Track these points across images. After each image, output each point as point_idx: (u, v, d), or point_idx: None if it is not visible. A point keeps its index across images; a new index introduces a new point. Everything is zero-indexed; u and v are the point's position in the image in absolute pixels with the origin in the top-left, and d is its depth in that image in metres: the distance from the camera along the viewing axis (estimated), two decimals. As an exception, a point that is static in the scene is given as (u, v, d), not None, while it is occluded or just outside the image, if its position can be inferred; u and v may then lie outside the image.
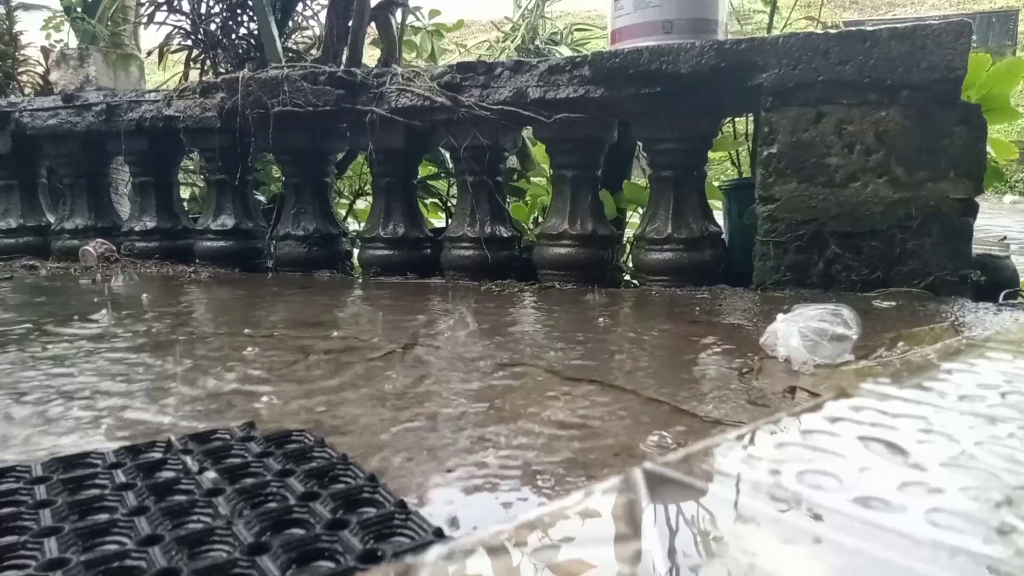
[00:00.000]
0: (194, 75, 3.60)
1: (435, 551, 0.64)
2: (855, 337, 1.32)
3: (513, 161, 3.08)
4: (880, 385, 1.02)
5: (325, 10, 3.11)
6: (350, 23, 2.93)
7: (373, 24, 3.08)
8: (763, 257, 2.17)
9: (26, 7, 4.21)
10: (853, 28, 2.12)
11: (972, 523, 0.63)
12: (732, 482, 0.73)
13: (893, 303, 1.90)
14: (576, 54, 2.72)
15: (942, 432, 0.84)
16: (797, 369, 1.29)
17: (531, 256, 2.58)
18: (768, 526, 0.64)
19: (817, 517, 0.65)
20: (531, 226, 3.00)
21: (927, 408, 0.92)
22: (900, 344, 1.37)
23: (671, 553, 0.62)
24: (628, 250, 2.74)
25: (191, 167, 3.88)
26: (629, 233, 2.79)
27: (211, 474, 0.84)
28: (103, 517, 0.75)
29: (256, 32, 3.42)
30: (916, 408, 0.92)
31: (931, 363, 1.19)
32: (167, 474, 0.86)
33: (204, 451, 0.91)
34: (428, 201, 3.33)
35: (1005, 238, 2.52)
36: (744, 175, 2.88)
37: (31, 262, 3.15)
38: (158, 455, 0.91)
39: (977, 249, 2.10)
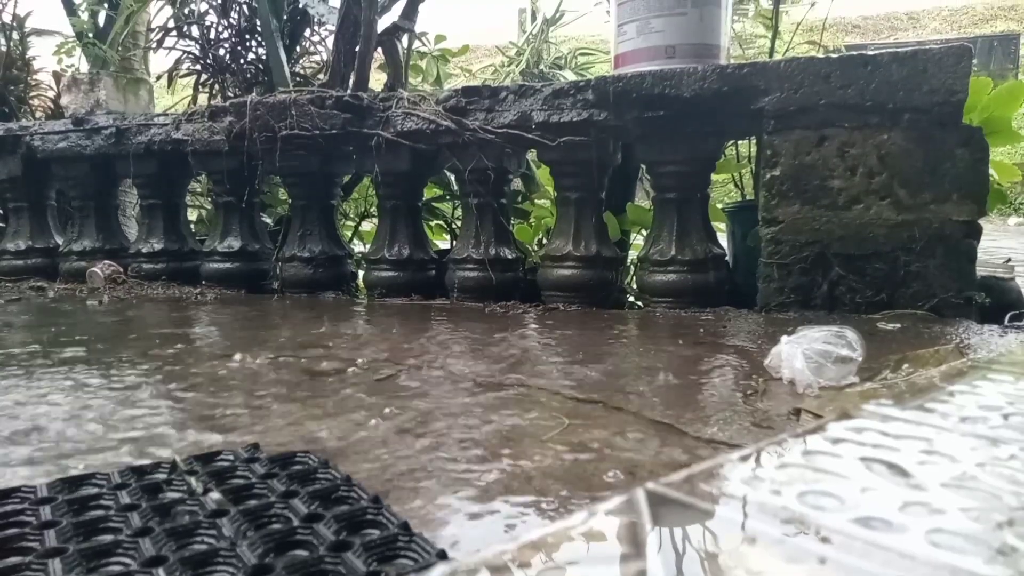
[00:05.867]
0: (203, 99, 3.65)
1: (438, 572, 0.64)
2: (859, 359, 1.32)
3: (518, 183, 3.10)
4: (883, 407, 1.03)
5: (332, 36, 3.15)
6: (357, 48, 2.97)
7: (379, 49, 3.12)
8: (767, 279, 2.17)
9: (39, 33, 4.27)
10: (855, 52, 2.14)
11: (973, 543, 0.63)
12: (735, 503, 0.73)
13: (898, 325, 1.90)
14: (580, 78, 2.75)
15: (944, 453, 0.84)
16: (802, 391, 1.29)
17: (535, 277, 2.58)
18: (771, 546, 0.64)
19: (820, 538, 0.65)
20: (535, 248, 3.01)
21: (929, 429, 0.92)
22: (905, 366, 1.37)
23: (674, 573, 0.62)
24: (632, 272, 2.75)
25: (199, 189, 3.91)
26: (633, 255, 2.80)
27: (215, 495, 0.84)
28: (107, 538, 0.75)
29: (264, 57, 3.47)
30: (918, 429, 0.92)
31: (934, 385, 1.19)
32: (172, 495, 0.86)
33: (208, 472, 0.92)
34: (433, 223, 3.35)
35: (1010, 260, 2.52)
36: (747, 197, 2.90)
37: (39, 283, 3.17)
38: (163, 476, 0.92)
39: (982, 271, 2.10)
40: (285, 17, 3.46)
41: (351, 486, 0.86)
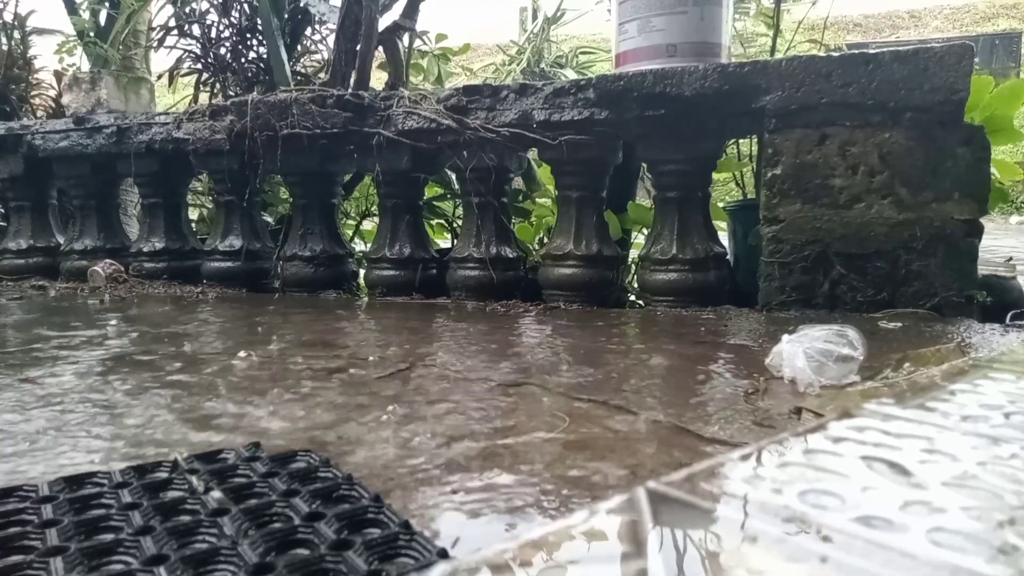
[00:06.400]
0: (204, 98, 3.65)
1: (439, 570, 0.64)
2: (861, 358, 1.32)
3: (519, 182, 3.10)
4: (884, 406, 1.03)
5: (333, 34, 3.15)
6: (358, 47, 2.97)
7: (380, 48, 3.12)
8: (768, 278, 2.17)
9: (40, 32, 4.27)
10: (856, 51, 2.14)
11: (974, 543, 0.63)
12: (736, 501, 0.73)
13: (899, 324, 1.90)
14: (581, 77, 2.74)
15: (945, 452, 0.84)
16: (803, 390, 1.29)
17: (536, 276, 2.59)
18: (772, 545, 0.64)
19: (821, 537, 0.65)
20: (536, 247, 3.01)
21: (930, 428, 0.92)
22: (906, 365, 1.37)
23: (675, 572, 0.62)
24: (633, 270, 2.74)
25: (200, 188, 3.91)
26: (634, 253, 2.80)
27: (216, 494, 0.84)
28: (109, 537, 0.75)
29: (265, 56, 3.47)
30: (919, 428, 0.92)
31: (935, 383, 1.19)
32: (173, 494, 0.86)
33: (210, 471, 0.92)
34: (434, 222, 3.35)
35: (1011, 259, 2.52)
36: (749, 196, 2.89)
37: (40, 282, 3.17)
38: (164, 475, 0.92)
39: (983, 270, 2.10)
40: (286, 16, 3.46)
41: (352, 485, 0.86)
